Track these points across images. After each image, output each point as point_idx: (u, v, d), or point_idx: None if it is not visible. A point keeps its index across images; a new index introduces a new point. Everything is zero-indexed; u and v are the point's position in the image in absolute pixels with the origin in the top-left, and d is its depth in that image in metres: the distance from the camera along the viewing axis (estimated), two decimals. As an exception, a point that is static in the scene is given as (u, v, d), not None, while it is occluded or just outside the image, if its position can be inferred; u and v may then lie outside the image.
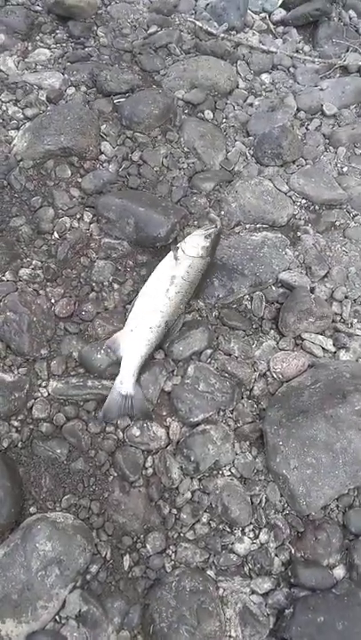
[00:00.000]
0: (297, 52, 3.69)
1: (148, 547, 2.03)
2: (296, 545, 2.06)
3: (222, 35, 3.63)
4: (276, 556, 2.04)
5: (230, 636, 1.89)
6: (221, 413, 2.27)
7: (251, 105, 3.34)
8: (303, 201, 2.94)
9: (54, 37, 3.51)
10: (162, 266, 2.41)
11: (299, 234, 2.82)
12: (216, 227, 2.50)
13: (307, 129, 3.26)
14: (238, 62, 3.54)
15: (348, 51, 3.65)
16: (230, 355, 2.41)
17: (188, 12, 3.84)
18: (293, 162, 3.06)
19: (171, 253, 2.41)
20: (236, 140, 3.15)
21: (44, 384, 2.30)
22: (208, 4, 3.87)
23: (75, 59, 3.38)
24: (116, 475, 2.15)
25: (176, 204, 2.84)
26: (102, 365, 2.30)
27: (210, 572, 2.01)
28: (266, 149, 3.04)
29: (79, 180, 2.87)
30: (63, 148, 2.86)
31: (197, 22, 3.69)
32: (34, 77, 3.24)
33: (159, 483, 2.14)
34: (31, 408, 2.25)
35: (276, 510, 2.11)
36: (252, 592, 1.97)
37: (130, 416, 2.23)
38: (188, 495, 2.11)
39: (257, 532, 2.08)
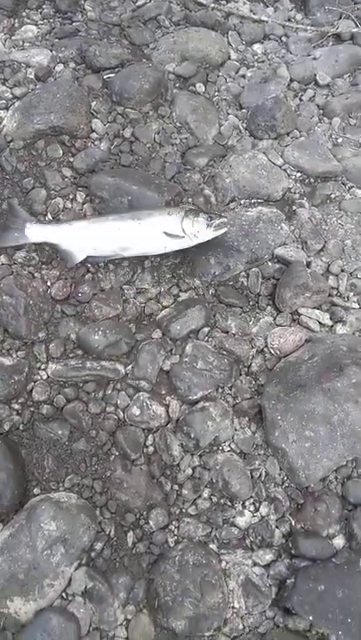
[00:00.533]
0: (289, 20, 3.62)
1: (150, 523, 2.08)
2: (296, 517, 2.10)
3: (212, 5, 3.57)
4: (276, 528, 2.09)
5: (233, 607, 1.95)
6: (220, 390, 2.30)
7: (243, 76, 3.30)
8: (298, 174, 2.92)
9: (41, 13, 3.45)
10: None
11: (294, 208, 2.80)
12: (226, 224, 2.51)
13: (300, 100, 3.22)
14: (229, 33, 3.49)
15: (340, 18, 3.58)
16: (228, 332, 2.43)
17: (178, -18, 3.77)
18: (287, 134, 3.03)
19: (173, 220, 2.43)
20: (228, 114, 3.12)
21: (43, 367, 2.33)
22: (197, -27, 3.79)
23: (62, 34, 3.32)
24: (117, 454, 2.19)
25: (170, 180, 2.83)
26: (100, 346, 2.32)
27: (212, 546, 2.06)
28: (259, 122, 3.00)
29: (71, 159, 2.85)
30: (53, 126, 2.83)
31: (186, -8, 3.62)
32: (21, 55, 3.20)
33: (160, 460, 2.17)
34: (31, 391, 2.28)
35: (276, 483, 2.15)
36: (254, 564, 2.02)
37: None
38: (189, 471, 2.15)
39: (257, 505, 2.12)
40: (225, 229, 2.48)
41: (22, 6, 3.43)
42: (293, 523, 2.09)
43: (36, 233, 2.48)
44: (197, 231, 2.42)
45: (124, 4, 3.55)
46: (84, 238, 2.45)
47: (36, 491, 2.13)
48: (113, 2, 3.55)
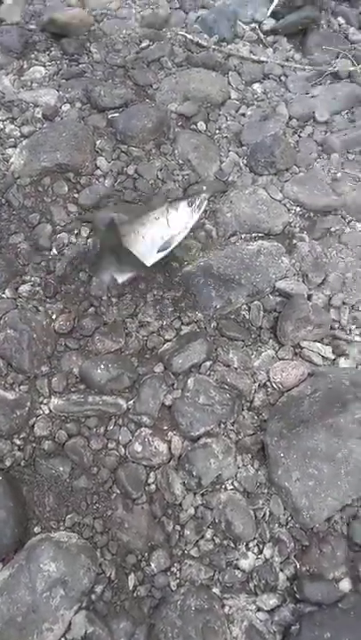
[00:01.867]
0: (287, 60, 3.57)
1: (152, 565, 1.92)
2: (301, 559, 1.94)
3: (213, 46, 3.52)
4: (280, 570, 1.93)
5: (237, 655, 1.79)
6: (222, 426, 2.16)
7: (243, 115, 3.23)
8: (298, 208, 2.82)
9: (49, 55, 3.42)
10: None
11: (294, 241, 2.70)
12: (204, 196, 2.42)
13: (299, 136, 3.13)
14: (230, 73, 3.43)
15: (338, 57, 3.53)
16: (230, 366, 2.30)
17: (180, 26, 3.73)
18: (287, 170, 2.94)
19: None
20: (229, 151, 3.04)
21: (45, 401, 2.21)
22: (198, 17, 3.76)
23: (69, 75, 3.29)
24: (118, 492, 2.04)
25: (172, 215, 2.74)
26: (102, 380, 2.20)
27: (215, 590, 1.89)
28: (259, 158, 2.92)
29: (76, 195, 2.78)
30: (59, 164, 2.78)
31: (188, 35, 3.58)
32: (29, 95, 3.16)
33: (162, 499, 2.02)
34: (33, 426, 2.15)
35: (280, 524, 2.00)
36: (258, 609, 1.86)
37: None
38: (192, 511, 2.00)
39: (261, 546, 1.96)
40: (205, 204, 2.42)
41: (31, 48, 3.40)
42: (298, 565, 1.93)
43: None
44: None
45: (128, 46, 3.51)
46: None
47: (36, 529, 1.99)
48: (118, 44, 3.51)
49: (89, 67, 3.36)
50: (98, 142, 2.94)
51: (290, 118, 3.20)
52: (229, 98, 3.31)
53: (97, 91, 3.11)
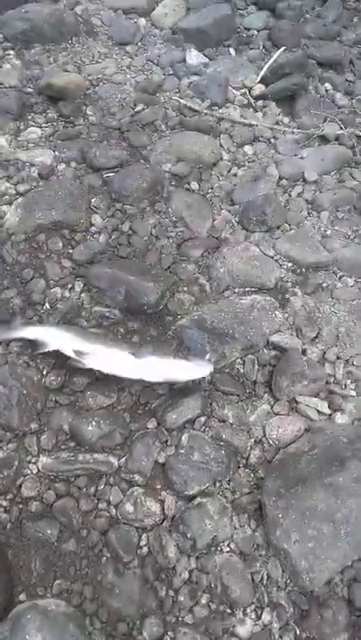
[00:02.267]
0: (277, 123, 3.75)
1: (144, 633, 1.84)
2: (301, 624, 1.88)
3: (205, 111, 3.70)
4: (280, 637, 1.86)
5: None
6: (218, 485, 2.13)
7: (235, 175, 3.36)
8: (290, 264, 2.89)
9: (45, 117, 3.57)
10: None
11: (287, 296, 2.75)
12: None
13: (290, 195, 3.25)
14: (221, 136, 3.59)
15: (325, 121, 3.71)
16: (225, 421, 2.29)
17: (173, 91, 3.93)
18: (278, 227, 3.04)
19: None
20: (221, 209, 3.14)
21: (33, 460, 2.17)
22: (191, 83, 3.96)
23: (65, 136, 3.42)
24: (109, 556, 1.99)
25: (165, 271, 2.80)
26: (93, 437, 2.18)
27: (211, 661, 1.82)
28: (251, 217, 3.02)
29: (70, 251, 2.84)
30: (54, 221, 2.85)
31: (181, 100, 3.77)
32: (26, 155, 3.27)
33: (155, 562, 1.97)
34: (20, 486, 2.11)
35: (279, 587, 1.94)
36: None
37: None
38: (186, 575, 1.94)
39: (259, 612, 1.90)
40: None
41: (28, 110, 3.55)
42: (298, 631, 1.86)
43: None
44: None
45: (123, 110, 3.68)
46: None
47: (22, 597, 1.91)
48: (113, 108, 3.68)
49: (85, 128, 3.51)
50: (93, 200, 3.04)
51: (280, 178, 3.33)
52: (221, 159, 3.45)
53: (92, 151, 3.24)
